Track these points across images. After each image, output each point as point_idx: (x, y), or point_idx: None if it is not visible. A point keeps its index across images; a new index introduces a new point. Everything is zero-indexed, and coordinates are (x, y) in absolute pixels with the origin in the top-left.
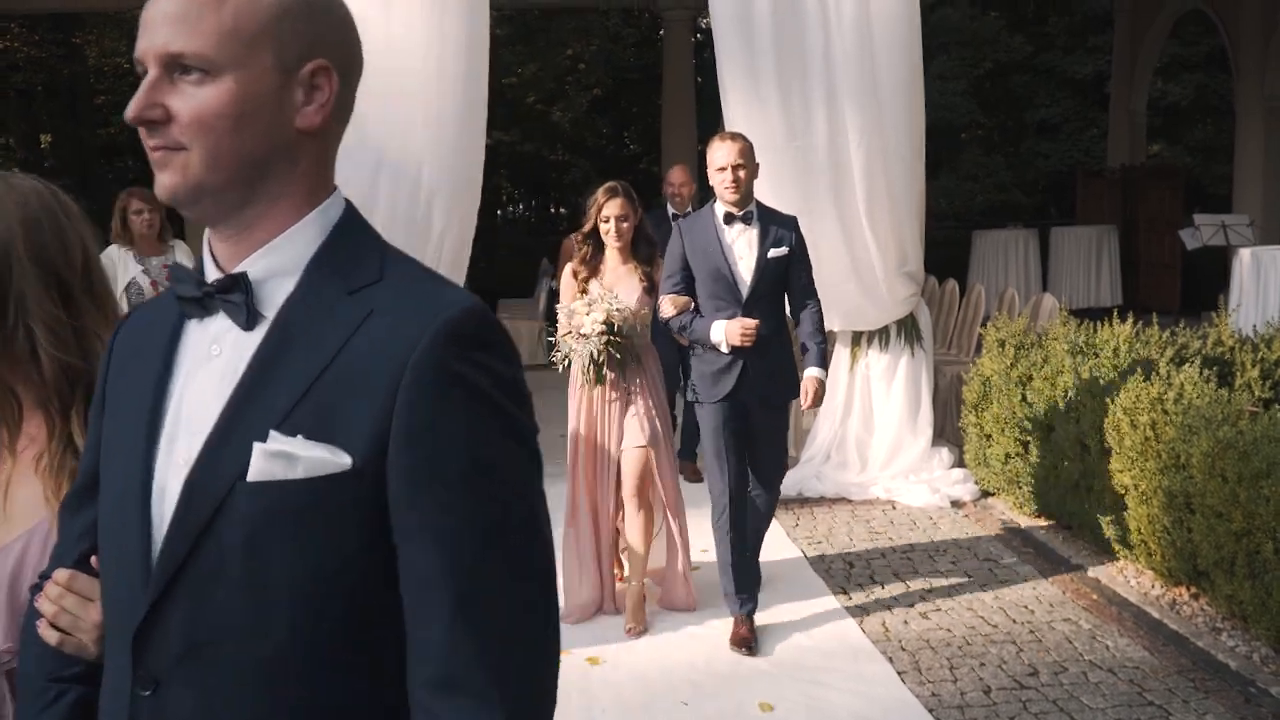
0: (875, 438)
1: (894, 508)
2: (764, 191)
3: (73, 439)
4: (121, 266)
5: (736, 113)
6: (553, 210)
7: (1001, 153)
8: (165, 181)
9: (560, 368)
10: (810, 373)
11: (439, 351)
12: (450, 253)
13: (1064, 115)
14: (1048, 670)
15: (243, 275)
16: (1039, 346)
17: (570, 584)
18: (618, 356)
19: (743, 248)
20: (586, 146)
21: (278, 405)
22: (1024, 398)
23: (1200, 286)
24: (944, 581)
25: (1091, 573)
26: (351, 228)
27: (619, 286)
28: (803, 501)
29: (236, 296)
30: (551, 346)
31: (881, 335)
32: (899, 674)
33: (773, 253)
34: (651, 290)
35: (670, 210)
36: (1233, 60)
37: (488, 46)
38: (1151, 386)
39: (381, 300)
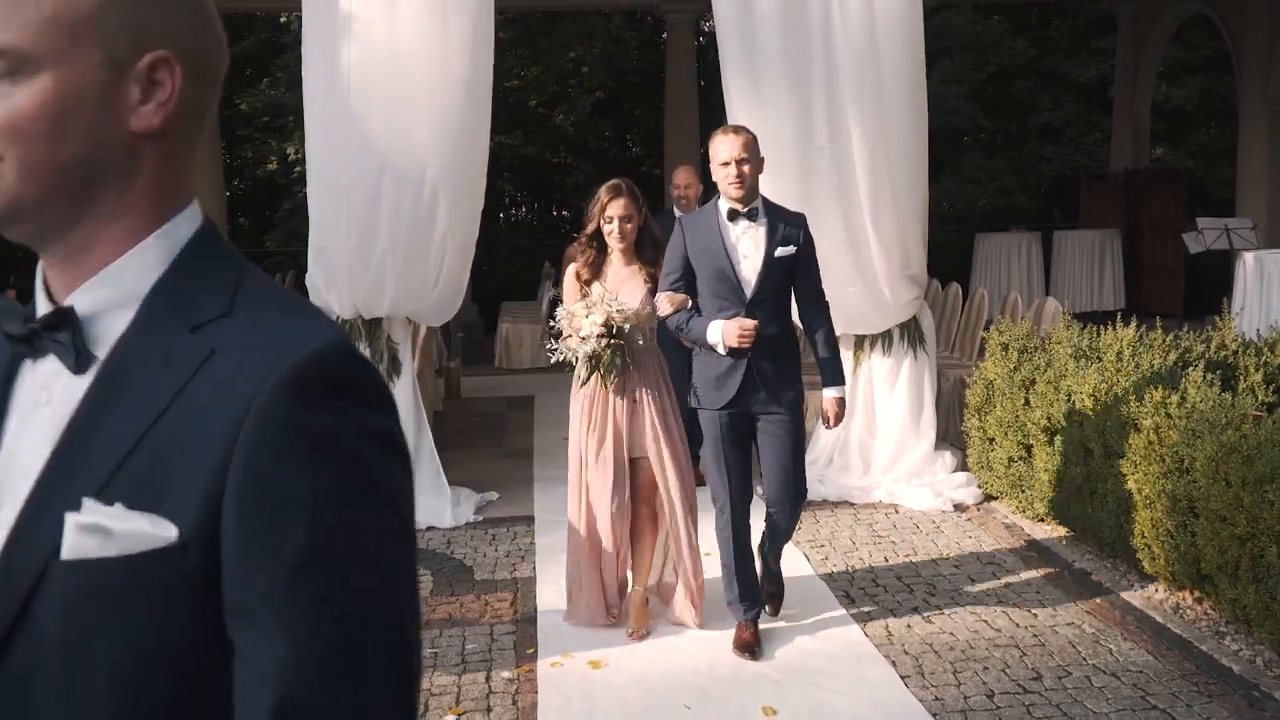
0: (878, 441)
1: (897, 511)
2: (766, 193)
3: None
4: None
5: (740, 115)
6: (555, 213)
7: (1004, 156)
8: None
9: (555, 358)
10: (829, 394)
11: (286, 397)
12: (454, 253)
13: (1067, 119)
14: (1051, 674)
15: (70, 310)
16: (1042, 350)
17: (572, 590)
18: (617, 361)
19: (747, 246)
20: (589, 149)
21: (99, 466)
22: (1027, 401)
23: (1203, 290)
24: (947, 585)
25: (1095, 577)
26: (204, 250)
27: (623, 288)
28: (805, 505)
29: (64, 334)
30: (555, 347)
31: (884, 338)
32: (902, 678)
33: (780, 251)
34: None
35: (677, 213)
36: (1236, 63)
37: (492, 49)
38: (1155, 390)
39: (227, 337)
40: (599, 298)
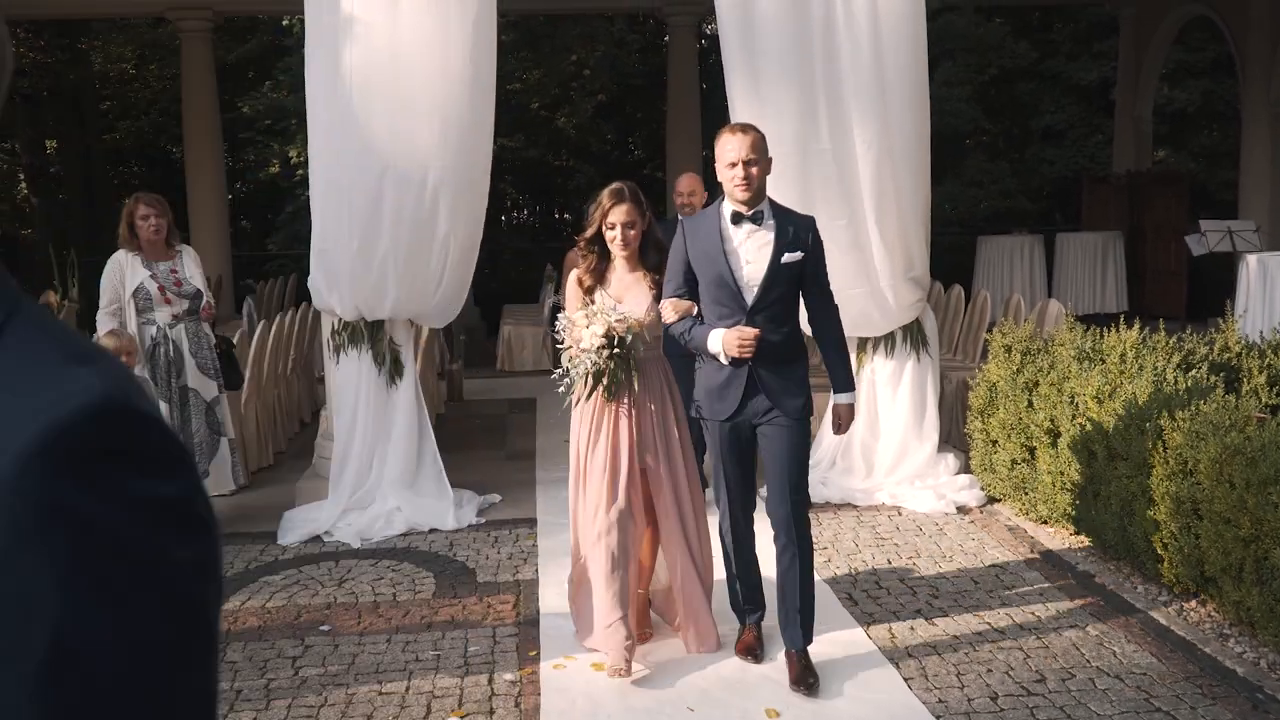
0: (881, 443)
1: (900, 513)
2: (770, 195)
3: None
4: (129, 271)
5: (742, 117)
6: (557, 216)
7: (1006, 159)
8: None
9: (561, 389)
10: (838, 399)
11: (34, 469)
12: (456, 255)
13: (1069, 121)
14: (1055, 677)
15: None
16: (1045, 352)
17: (580, 609)
18: (619, 374)
19: (750, 251)
20: (591, 152)
21: None
22: (1030, 403)
23: (1206, 292)
24: (950, 588)
25: (1099, 579)
26: None
27: (627, 296)
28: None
29: None
30: (561, 361)
31: (887, 341)
32: (905, 680)
33: (787, 257)
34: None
35: (681, 220)
36: (1239, 66)
37: (495, 51)
38: (1159, 392)
39: None
40: (600, 307)
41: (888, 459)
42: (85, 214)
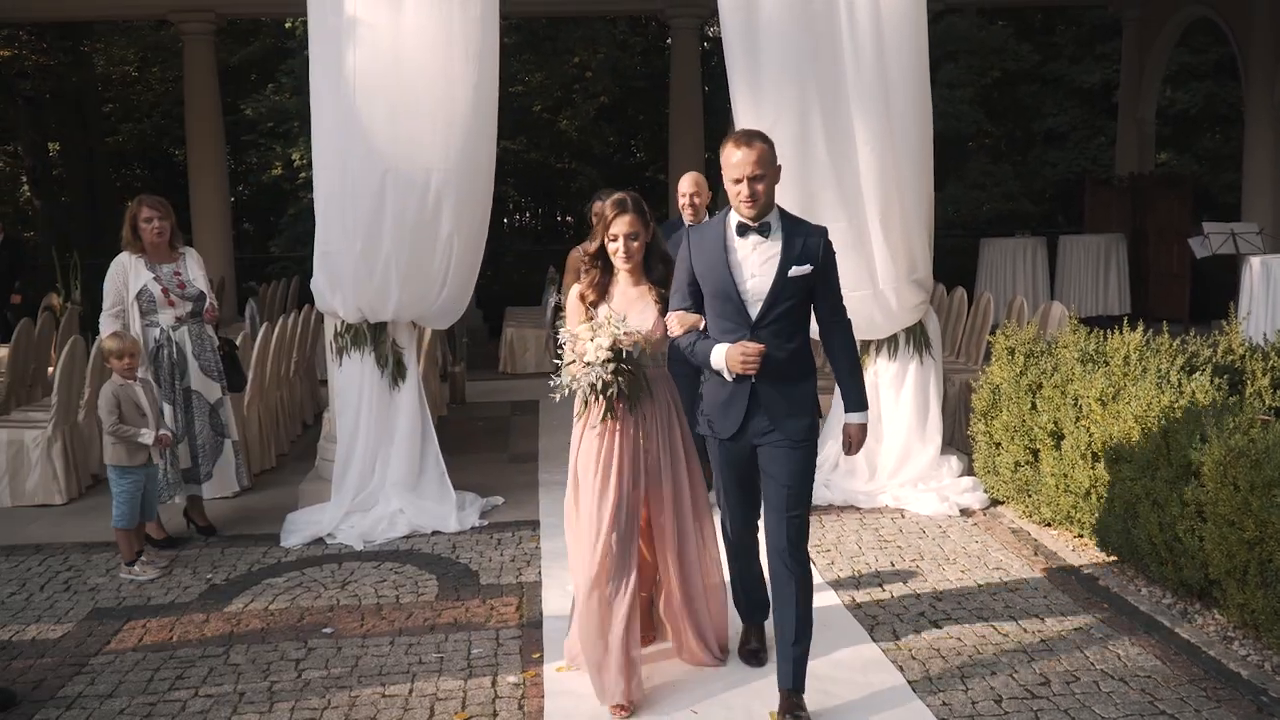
0: (884, 445)
1: (903, 516)
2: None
3: None
4: (133, 273)
5: (746, 120)
6: (559, 219)
7: (1009, 161)
8: None
9: (558, 397)
10: (850, 419)
11: None
12: (460, 257)
13: (1072, 124)
14: (1059, 679)
15: None
16: (1049, 354)
17: (587, 643)
18: (625, 390)
19: (756, 264)
20: (593, 155)
21: None
22: (1034, 406)
23: (1210, 295)
24: (954, 590)
25: (1102, 582)
26: None
27: (631, 310)
28: (811, 510)
29: None
30: (559, 367)
31: (890, 343)
32: (910, 683)
33: (794, 271)
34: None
35: (687, 221)
36: (1242, 68)
37: (498, 53)
38: (1163, 394)
39: None
40: (605, 319)
41: (891, 461)
42: (88, 216)
